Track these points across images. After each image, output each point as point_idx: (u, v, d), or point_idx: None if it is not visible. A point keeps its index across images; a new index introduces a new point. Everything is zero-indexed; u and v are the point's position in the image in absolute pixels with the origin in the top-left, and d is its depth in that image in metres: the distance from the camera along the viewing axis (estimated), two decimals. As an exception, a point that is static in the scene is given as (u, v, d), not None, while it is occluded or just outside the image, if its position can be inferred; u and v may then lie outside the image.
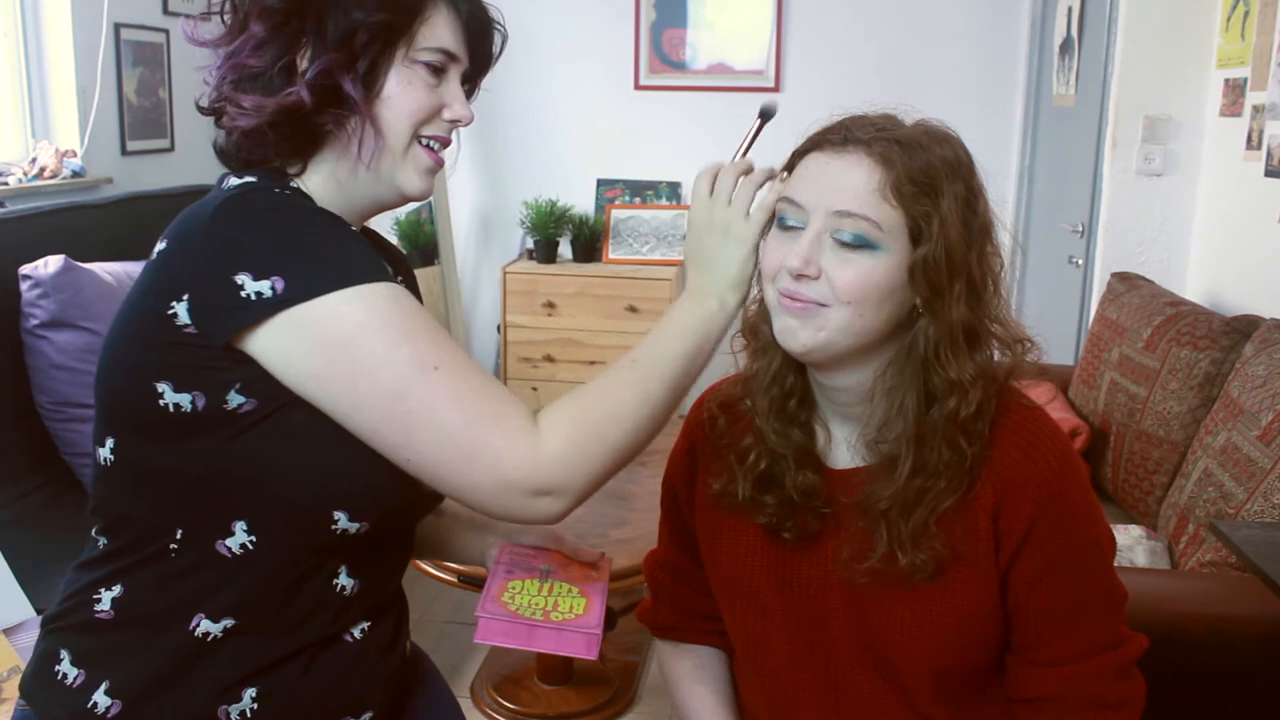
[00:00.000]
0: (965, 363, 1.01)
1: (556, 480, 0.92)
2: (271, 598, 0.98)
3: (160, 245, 0.95)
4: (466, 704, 2.40)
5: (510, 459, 0.91)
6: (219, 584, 0.96)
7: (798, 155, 1.05)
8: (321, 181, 1.03)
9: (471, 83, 1.09)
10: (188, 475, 0.94)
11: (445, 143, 1.05)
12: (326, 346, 0.89)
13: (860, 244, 0.99)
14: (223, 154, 1.04)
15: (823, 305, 0.99)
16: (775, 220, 1.04)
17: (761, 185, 1.04)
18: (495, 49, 1.10)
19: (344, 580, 1.01)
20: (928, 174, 0.99)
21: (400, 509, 1.03)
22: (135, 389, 0.93)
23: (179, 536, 0.96)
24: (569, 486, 0.93)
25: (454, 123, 1.04)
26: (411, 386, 0.90)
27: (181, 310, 0.89)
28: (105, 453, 0.98)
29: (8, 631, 1.79)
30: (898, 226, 0.99)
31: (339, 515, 0.95)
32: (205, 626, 0.96)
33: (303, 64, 0.98)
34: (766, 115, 1.13)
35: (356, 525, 0.97)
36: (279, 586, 0.97)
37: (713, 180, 1.04)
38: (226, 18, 1.01)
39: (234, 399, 0.91)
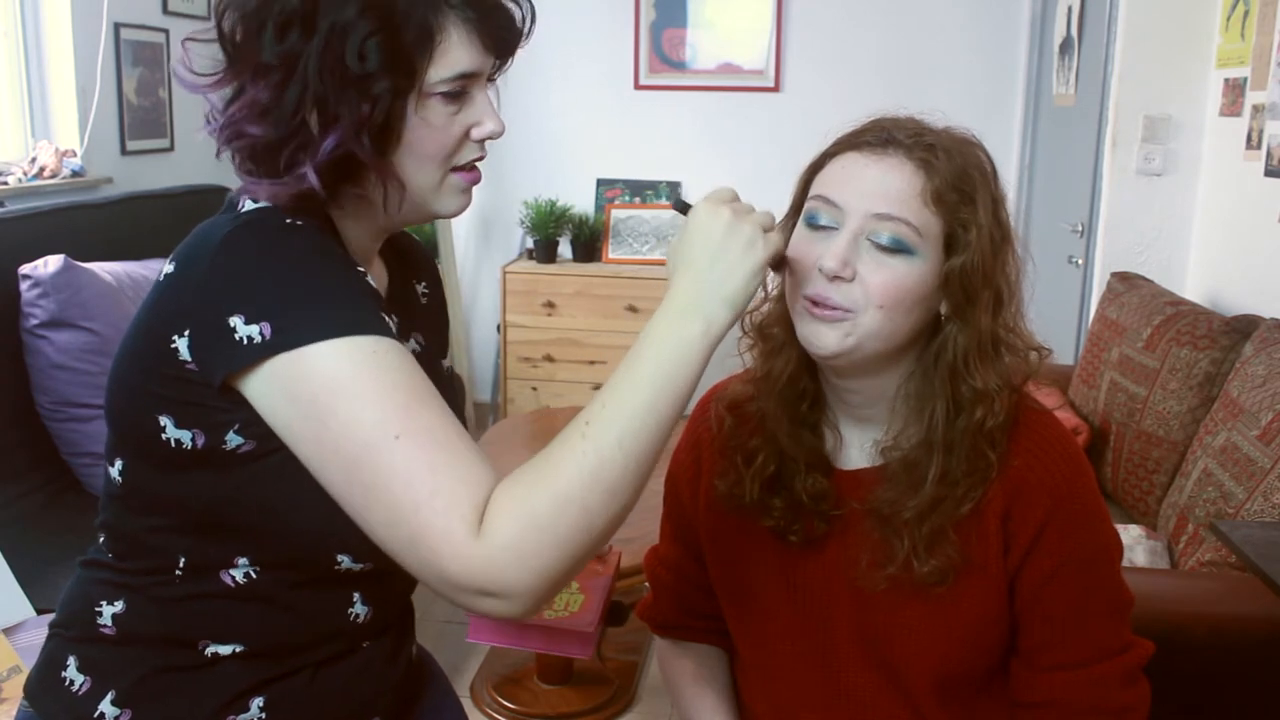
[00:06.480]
0: (991, 372, 1.00)
1: (495, 582, 0.80)
2: (282, 625, 0.96)
3: (169, 268, 0.92)
4: (466, 704, 2.39)
5: (446, 554, 0.81)
6: (225, 612, 0.95)
7: (829, 155, 1.04)
8: (347, 214, 0.99)
9: (503, 59, 1.01)
10: (191, 508, 0.93)
11: (479, 159, 1.00)
12: (299, 401, 0.84)
13: (898, 248, 0.98)
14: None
15: (850, 311, 0.98)
16: (802, 218, 1.04)
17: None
18: (522, 24, 1.00)
19: (358, 609, 1.00)
20: (966, 181, 0.99)
21: None
22: (140, 418, 0.91)
23: (183, 564, 0.95)
24: (514, 589, 0.81)
25: (484, 140, 0.98)
26: (369, 456, 0.83)
27: (183, 346, 0.87)
28: (115, 473, 0.97)
29: (8, 631, 1.79)
30: (935, 233, 0.99)
31: (342, 558, 0.94)
32: (214, 649, 0.95)
33: (312, 123, 0.89)
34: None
35: (361, 565, 0.95)
36: (289, 615, 0.96)
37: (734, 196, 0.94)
38: (221, 57, 0.93)
39: (232, 439, 0.89)
